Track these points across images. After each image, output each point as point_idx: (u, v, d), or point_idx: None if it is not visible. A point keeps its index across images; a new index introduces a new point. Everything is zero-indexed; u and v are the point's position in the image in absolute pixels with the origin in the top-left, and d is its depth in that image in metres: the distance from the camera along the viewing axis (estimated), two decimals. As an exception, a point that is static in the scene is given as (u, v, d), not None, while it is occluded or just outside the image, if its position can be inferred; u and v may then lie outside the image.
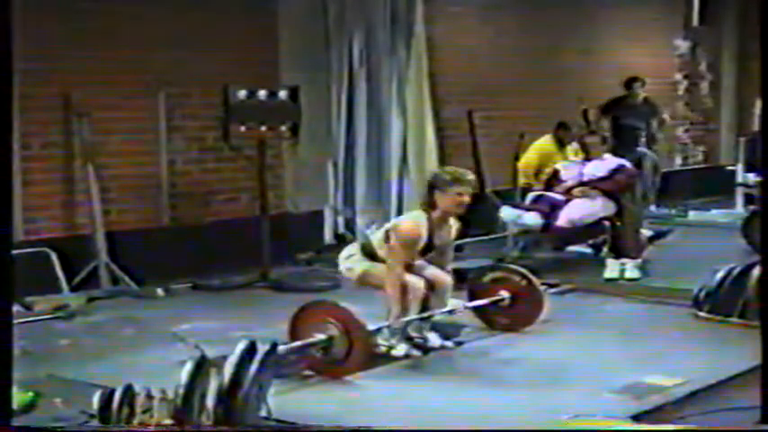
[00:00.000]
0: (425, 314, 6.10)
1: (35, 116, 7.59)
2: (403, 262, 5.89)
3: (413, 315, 5.97)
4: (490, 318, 6.62)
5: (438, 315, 6.18)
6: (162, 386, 4.43)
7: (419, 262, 6.12)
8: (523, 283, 6.57)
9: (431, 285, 6.10)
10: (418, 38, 9.92)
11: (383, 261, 5.95)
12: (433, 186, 5.96)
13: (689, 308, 6.95)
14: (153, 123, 8.46)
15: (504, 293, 6.56)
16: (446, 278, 6.16)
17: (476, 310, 6.58)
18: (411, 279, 5.91)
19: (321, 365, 5.58)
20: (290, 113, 8.36)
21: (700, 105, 14.89)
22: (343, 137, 9.61)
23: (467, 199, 5.93)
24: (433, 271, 6.12)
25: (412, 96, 9.90)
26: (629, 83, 11.97)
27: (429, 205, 5.96)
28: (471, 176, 6.04)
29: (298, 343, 5.60)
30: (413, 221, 5.97)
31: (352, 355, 5.52)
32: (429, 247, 6.01)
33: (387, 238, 5.95)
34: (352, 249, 6.22)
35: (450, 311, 6.25)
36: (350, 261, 6.15)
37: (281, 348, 5.12)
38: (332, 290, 7.57)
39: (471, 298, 6.62)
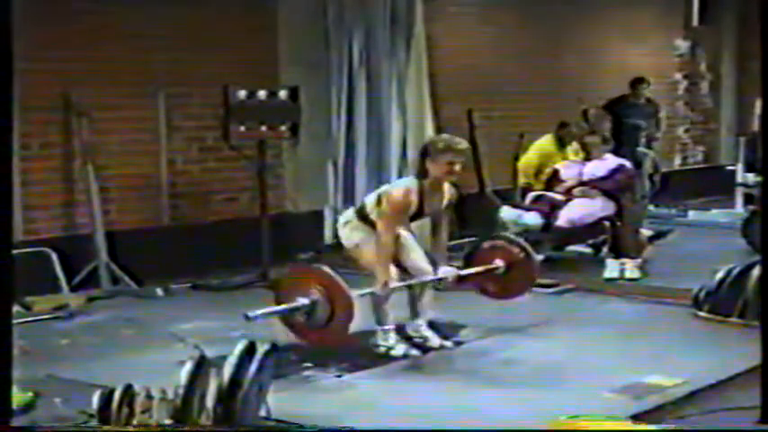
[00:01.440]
0: (414, 281, 6.06)
1: (35, 116, 7.59)
2: (393, 227, 5.90)
3: (392, 310, 6.00)
4: (481, 285, 6.60)
5: (430, 282, 6.15)
6: (162, 386, 4.44)
7: (408, 241, 6.12)
8: (521, 255, 6.54)
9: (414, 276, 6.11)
10: (418, 38, 9.90)
11: (374, 225, 5.96)
12: (425, 154, 5.98)
13: (689, 308, 6.95)
14: (153, 123, 8.47)
15: (500, 262, 6.53)
16: (427, 269, 6.14)
17: (468, 277, 6.54)
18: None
19: (305, 330, 5.59)
20: (289, 113, 8.37)
21: (700, 105, 14.89)
22: (342, 137, 9.60)
23: (458, 168, 5.94)
24: (416, 262, 6.12)
25: (412, 96, 9.88)
26: (635, 83, 12.00)
27: (421, 172, 5.97)
28: (464, 145, 6.06)
29: (279, 308, 5.61)
30: (404, 188, 5.97)
31: (334, 319, 5.53)
32: (419, 214, 6.01)
33: (379, 202, 5.97)
34: (350, 215, 6.23)
35: (441, 279, 6.21)
36: (348, 227, 6.15)
37: (260, 313, 5.18)
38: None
39: (467, 265, 6.60)
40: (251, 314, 5.54)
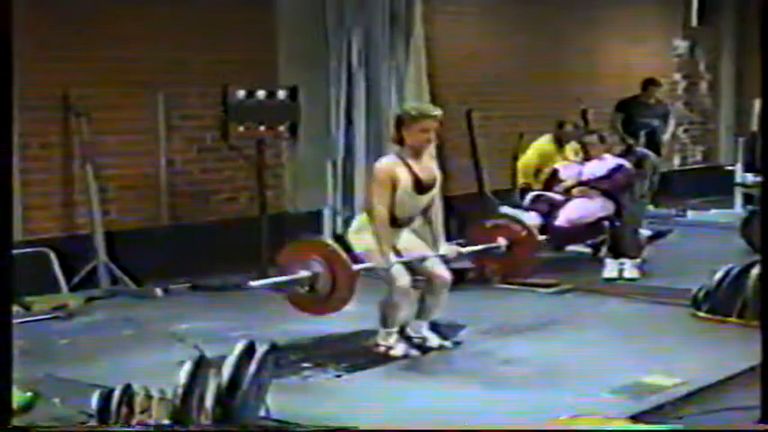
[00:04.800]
0: (417, 256, 6.02)
1: (34, 116, 7.58)
2: (386, 201, 5.85)
3: (403, 314, 5.98)
4: (483, 264, 6.58)
5: (432, 257, 6.09)
6: (161, 386, 4.44)
7: (409, 238, 6.06)
8: (523, 233, 6.52)
9: (428, 283, 6.10)
10: (417, 37, 9.91)
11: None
12: (399, 123, 6.01)
13: (688, 308, 6.95)
14: (152, 123, 8.46)
15: (502, 241, 6.51)
16: (445, 275, 6.13)
17: (470, 256, 6.53)
18: (399, 275, 5.88)
19: (306, 302, 5.60)
20: (288, 113, 8.37)
21: (698, 105, 14.90)
22: (342, 137, 9.60)
23: (432, 134, 5.98)
24: (431, 267, 6.09)
25: (411, 96, 9.88)
26: (647, 84, 12.07)
27: (397, 141, 6.00)
28: (437, 111, 6.09)
29: (280, 278, 5.60)
30: (386, 161, 6.01)
31: (336, 290, 5.53)
32: (419, 185, 5.96)
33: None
34: (361, 221, 6.12)
35: (443, 256, 6.19)
36: (358, 235, 6.03)
37: (262, 283, 5.15)
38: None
39: (468, 243, 6.58)
40: (254, 283, 5.55)
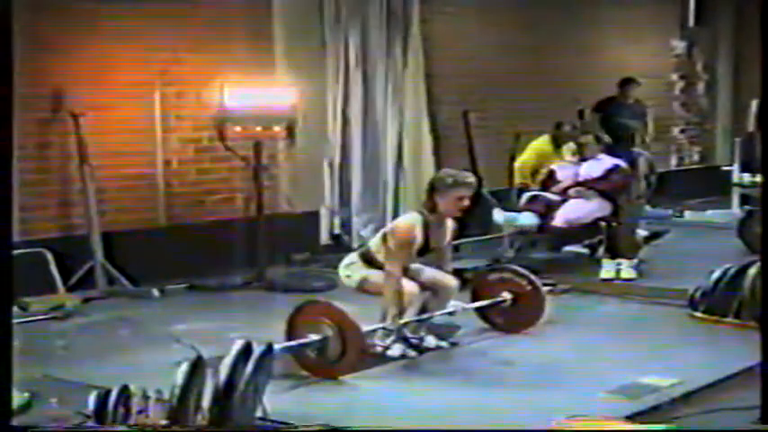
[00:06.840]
0: (424, 316, 6.10)
1: (31, 116, 7.57)
2: (400, 263, 5.88)
3: (409, 317, 5.98)
4: (489, 317, 6.60)
5: (437, 317, 6.17)
6: (158, 387, 4.43)
7: (416, 266, 6.10)
8: (528, 287, 6.54)
9: (433, 290, 6.11)
10: (414, 38, 9.93)
11: (381, 267, 5.94)
12: (433, 188, 5.97)
13: (685, 308, 6.95)
14: (148, 123, 8.45)
15: (507, 295, 6.53)
16: (451, 282, 6.16)
17: (476, 309, 6.57)
18: (406, 284, 5.90)
19: (315, 366, 5.58)
20: (285, 114, 8.36)
21: (696, 106, 14.90)
22: (338, 137, 9.61)
23: (467, 202, 5.96)
24: (434, 275, 6.12)
25: (408, 97, 9.90)
26: (624, 84, 11.99)
27: (429, 207, 5.96)
28: (473, 179, 6.08)
29: (291, 343, 5.60)
30: (409, 223, 5.98)
31: (346, 355, 5.52)
32: (425, 249, 6.01)
33: (384, 240, 5.96)
34: (353, 258, 6.21)
35: (450, 313, 6.23)
36: (349, 269, 6.14)
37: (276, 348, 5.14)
38: (327, 290, 7.58)
39: (474, 296, 6.61)
40: None
